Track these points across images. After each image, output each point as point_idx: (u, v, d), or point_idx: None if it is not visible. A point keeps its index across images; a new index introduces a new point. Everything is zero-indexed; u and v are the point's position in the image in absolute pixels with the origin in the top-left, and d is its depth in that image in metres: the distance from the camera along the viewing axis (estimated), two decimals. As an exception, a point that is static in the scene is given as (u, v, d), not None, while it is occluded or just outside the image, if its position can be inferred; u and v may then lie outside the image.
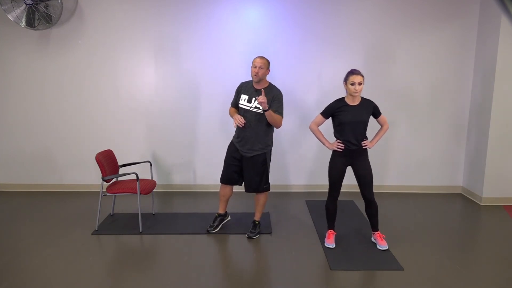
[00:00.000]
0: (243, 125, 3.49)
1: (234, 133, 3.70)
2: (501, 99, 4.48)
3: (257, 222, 3.79)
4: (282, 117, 3.54)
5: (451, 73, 4.89)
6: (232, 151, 3.69)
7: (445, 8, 4.75)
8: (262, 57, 3.49)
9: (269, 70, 3.55)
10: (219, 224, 3.88)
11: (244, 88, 3.61)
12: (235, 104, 3.71)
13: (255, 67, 3.44)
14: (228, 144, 3.78)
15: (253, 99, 3.50)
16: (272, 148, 3.74)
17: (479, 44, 4.76)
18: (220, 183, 3.82)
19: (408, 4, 4.74)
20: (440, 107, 4.96)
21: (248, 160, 3.59)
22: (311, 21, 4.77)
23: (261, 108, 3.44)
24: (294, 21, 4.77)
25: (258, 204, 3.76)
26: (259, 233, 3.76)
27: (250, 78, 3.71)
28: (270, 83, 3.57)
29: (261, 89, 3.50)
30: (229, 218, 4.03)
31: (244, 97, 3.57)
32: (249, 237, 3.69)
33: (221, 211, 3.89)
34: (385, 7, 4.75)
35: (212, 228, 3.82)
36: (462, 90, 4.93)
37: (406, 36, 4.81)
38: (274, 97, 3.48)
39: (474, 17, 4.77)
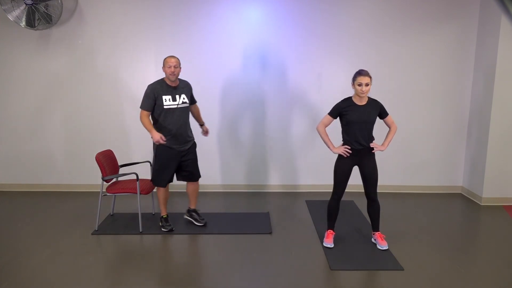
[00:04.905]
0: (163, 141, 3.50)
1: (162, 141, 3.51)
2: (501, 99, 4.48)
3: (198, 210, 4.01)
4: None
5: (451, 73, 4.89)
6: (170, 155, 3.68)
7: (445, 8, 4.75)
8: (174, 56, 3.63)
9: (180, 68, 3.70)
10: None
11: (161, 90, 3.60)
12: (151, 108, 3.61)
13: (170, 67, 3.55)
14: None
15: (177, 96, 3.66)
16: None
17: (479, 44, 4.75)
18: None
19: (408, 4, 4.74)
20: (440, 107, 4.96)
21: (188, 151, 3.78)
22: (311, 21, 4.76)
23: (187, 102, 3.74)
24: (294, 21, 4.77)
25: (195, 191, 3.97)
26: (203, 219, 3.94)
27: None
28: (180, 79, 3.76)
29: (177, 85, 3.68)
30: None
31: (166, 97, 3.61)
32: (196, 220, 3.94)
33: (163, 214, 3.94)
34: (385, 7, 4.75)
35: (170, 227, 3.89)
36: (462, 90, 4.93)
37: (406, 36, 4.81)
38: (191, 89, 3.83)
39: (474, 17, 4.77)
